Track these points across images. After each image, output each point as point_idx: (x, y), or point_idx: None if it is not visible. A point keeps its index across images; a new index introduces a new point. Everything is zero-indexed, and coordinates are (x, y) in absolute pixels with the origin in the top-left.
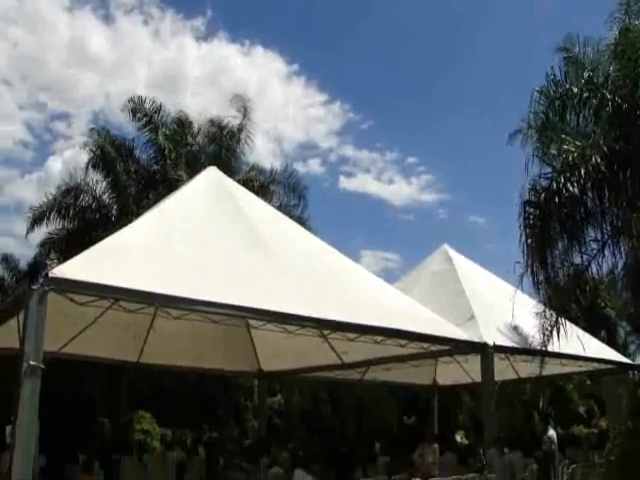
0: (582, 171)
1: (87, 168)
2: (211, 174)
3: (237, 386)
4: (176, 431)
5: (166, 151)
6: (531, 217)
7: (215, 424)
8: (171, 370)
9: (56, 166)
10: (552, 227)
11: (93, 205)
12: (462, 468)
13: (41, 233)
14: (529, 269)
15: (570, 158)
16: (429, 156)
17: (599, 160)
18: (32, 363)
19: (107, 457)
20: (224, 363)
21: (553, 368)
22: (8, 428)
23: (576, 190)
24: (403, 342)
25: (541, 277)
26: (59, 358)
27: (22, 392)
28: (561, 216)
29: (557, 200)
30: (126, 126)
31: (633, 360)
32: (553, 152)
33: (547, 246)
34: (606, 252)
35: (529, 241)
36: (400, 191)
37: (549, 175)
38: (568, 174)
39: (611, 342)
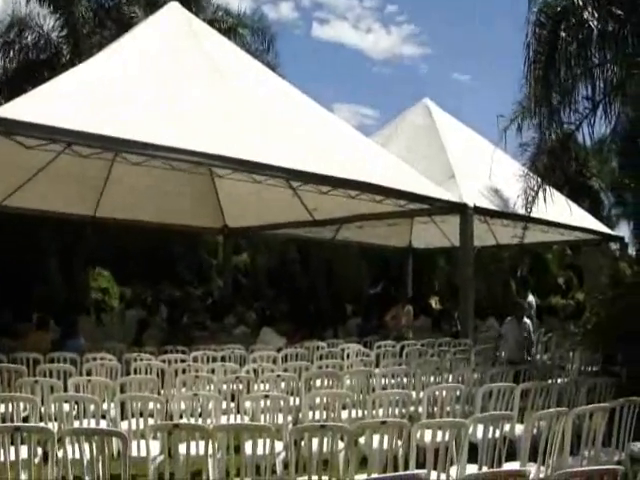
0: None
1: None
2: (173, 10)
3: (201, 243)
4: (136, 289)
5: None
6: (537, 51)
7: (177, 282)
8: (131, 226)
9: None
10: (556, 62)
11: (40, 43)
12: (436, 333)
13: None
14: (524, 118)
15: None
16: (410, 5)
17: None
18: None
19: (63, 315)
20: (187, 218)
21: (534, 236)
22: None
23: (587, 15)
24: (378, 198)
25: (536, 122)
26: (10, 212)
27: None
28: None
29: (564, 27)
30: None
31: (616, 232)
32: None
33: (549, 83)
34: (597, 114)
35: (532, 73)
36: (378, 42)
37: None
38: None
39: (595, 213)
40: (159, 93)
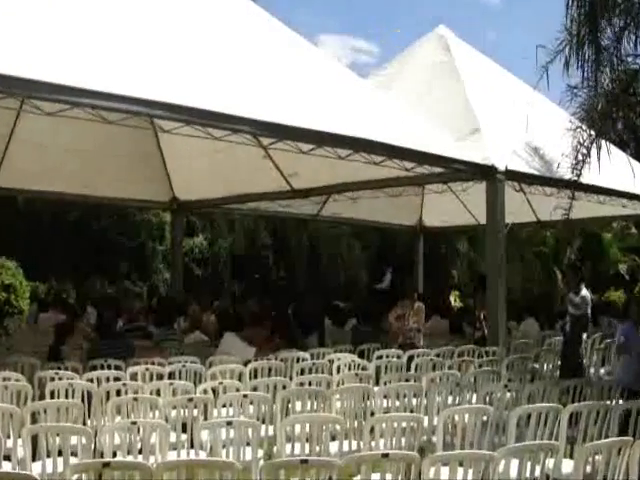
0: None
1: None
2: None
3: (142, 223)
4: (53, 286)
5: None
6: None
7: (110, 276)
8: (44, 200)
9: None
10: None
11: None
12: (456, 338)
13: None
14: (571, 49)
15: None
16: None
17: None
18: None
19: None
20: (122, 189)
21: (586, 209)
22: None
23: None
24: (378, 160)
25: (590, 55)
26: None
27: None
28: None
29: None
30: None
31: None
32: None
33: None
34: None
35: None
36: None
37: None
38: None
39: None
40: (85, 25)
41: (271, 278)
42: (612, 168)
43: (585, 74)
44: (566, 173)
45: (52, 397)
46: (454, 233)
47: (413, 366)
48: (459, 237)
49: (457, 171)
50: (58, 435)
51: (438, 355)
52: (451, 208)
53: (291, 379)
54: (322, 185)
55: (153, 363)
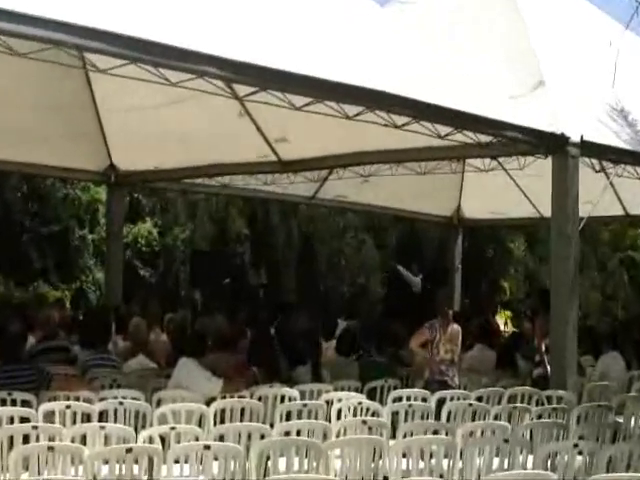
0: None
1: None
2: None
3: (65, 203)
4: None
5: None
6: None
7: (18, 274)
8: None
9: None
10: None
11: None
12: (507, 376)
13: None
14: None
15: None
16: None
17: None
18: None
19: None
20: (34, 151)
21: None
22: None
23: None
24: (400, 122)
25: None
26: None
27: None
28: None
29: None
30: None
31: None
32: None
33: None
34: None
35: None
36: None
37: None
38: None
39: None
40: None
41: (247, 284)
42: None
43: None
44: None
45: None
46: (506, 229)
47: (444, 413)
48: (513, 235)
49: (511, 141)
50: None
51: (480, 399)
52: (502, 194)
53: (272, 426)
54: (321, 156)
55: (78, 398)
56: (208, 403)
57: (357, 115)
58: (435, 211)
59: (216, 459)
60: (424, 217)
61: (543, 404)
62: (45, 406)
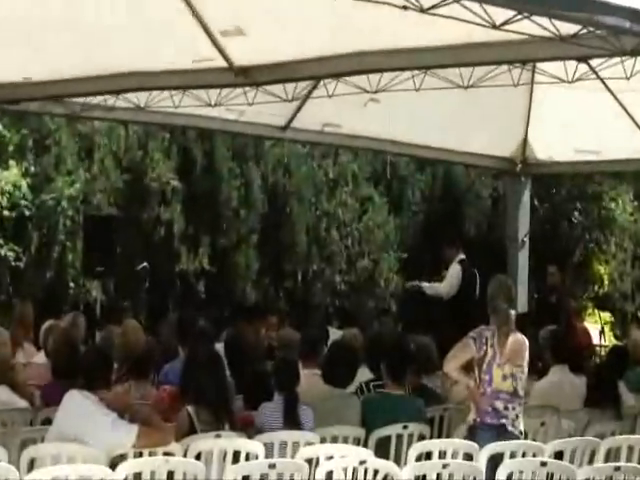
0: None
1: None
2: None
3: None
4: None
5: None
6: None
7: None
8: None
9: None
10: None
11: None
12: (605, 416)
13: None
14: None
15: None
16: None
17: None
18: None
19: None
20: None
21: None
22: None
23: None
24: (430, 2)
25: None
26: None
27: None
28: None
29: None
30: None
31: None
32: None
33: None
34: None
35: None
36: None
37: None
38: None
39: None
40: None
41: (177, 270)
42: None
43: None
44: None
45: None
46: (603, 180)
47: (503, 477)
48: (615, 189)
49: (613, 32)
50: None
51: (560, 455)
52: (596, 121)
53: None
54: (299, 59)
55: None
56: (114, 464)
57: None
58: (485, 150)
59: None
60: (466, 160)
61: None
62: None
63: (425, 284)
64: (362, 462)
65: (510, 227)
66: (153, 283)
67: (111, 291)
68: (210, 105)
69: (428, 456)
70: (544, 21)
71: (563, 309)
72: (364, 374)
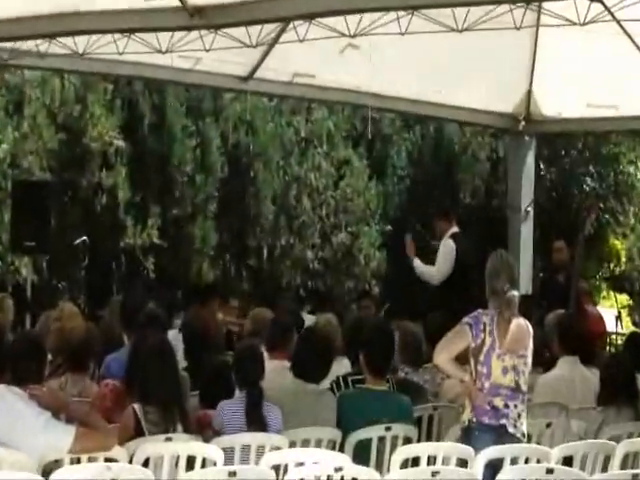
0: None
1: None
2: None
3: None
4: None
5: None
6: None
7: None
8: None
9: None
10: None
11: None
12: (623, 416)
13: None
14: None
15: None
16: None
17: None
18: None
19: None
20: None
21: None
22: None
23: None
24: None
25: None
26: None
27: None
28: None
29: None
30: None
31: None
32: None
33: None
34: None
35: None
36: None
37: None
38: None
39: None
40: None
41: (121, 244)
42: None
43: None
44: None
45: None
46: (619, 139)
47: None
48: (632, 150)
49: None
50: None
51: (568, 460)
52: (611, 69)
53: None
54: None
55: None
56: (47, 472)
57: None
58: (483, 105)
59: None
60: (460, 117)
61: None
62: None
63: (417, 262)
64: (338, 469)
65: (512, 195)
66: (93, 260)
67: (44, 270)
68: (160, 51)
69: (415, 462)
70: None
71: (572, 290)
72: (341, 367)
